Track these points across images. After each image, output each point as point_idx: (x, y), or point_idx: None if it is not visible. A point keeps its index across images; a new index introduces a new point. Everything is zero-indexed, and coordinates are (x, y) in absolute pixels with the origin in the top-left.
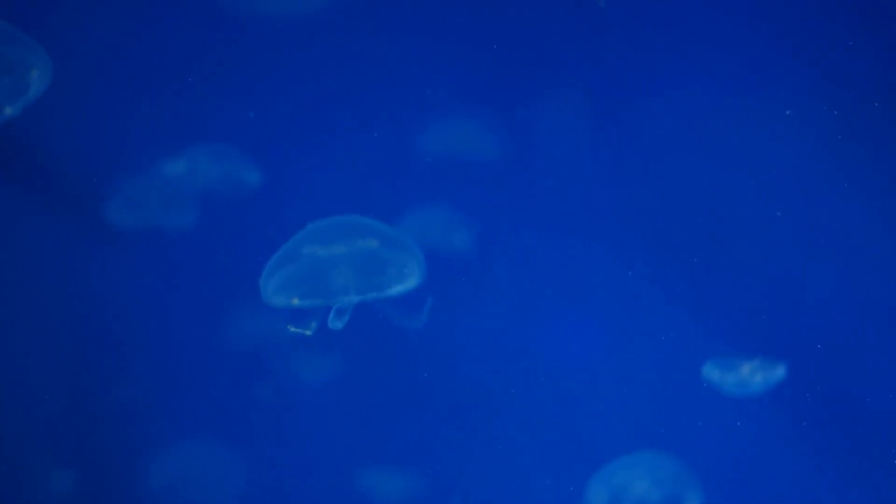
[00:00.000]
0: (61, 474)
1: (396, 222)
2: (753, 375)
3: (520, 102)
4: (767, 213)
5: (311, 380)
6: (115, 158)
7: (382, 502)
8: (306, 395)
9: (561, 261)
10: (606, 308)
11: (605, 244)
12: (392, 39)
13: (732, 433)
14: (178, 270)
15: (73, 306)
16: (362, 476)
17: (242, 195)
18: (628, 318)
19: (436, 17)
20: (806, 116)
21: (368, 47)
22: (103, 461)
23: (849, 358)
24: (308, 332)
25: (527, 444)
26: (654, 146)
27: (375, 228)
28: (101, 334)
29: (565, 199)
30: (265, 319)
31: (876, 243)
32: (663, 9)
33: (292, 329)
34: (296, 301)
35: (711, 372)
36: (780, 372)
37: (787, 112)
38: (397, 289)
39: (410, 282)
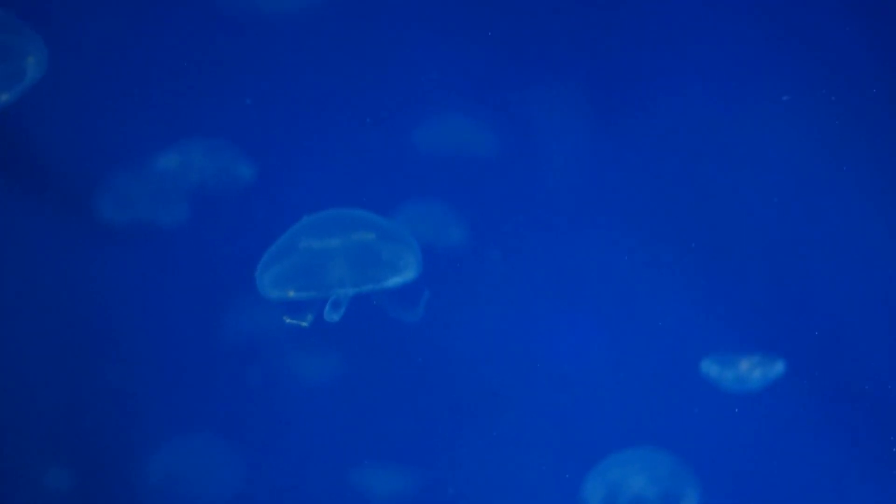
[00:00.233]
0: (57, 471)
1: (391, 217)
2: (752, 371)
3: (515, 98)
4: (766, 208)
5: (306, 376)
6: (107, 153)
7: (379, 498)
8: (302, 391)
9: (557, 256)
10: (603, 303)
11: (601, 239)
12: (388, 34)
13: (731, 429)
14: (171, 266)
15: (68, 303)
16: (358, 472)
17: (236, 190)
18: (626, 313)
19: (431, 11)
20: (803, 103)
21: (364, 42)
22: (99, 458)
23: (848, 354)
24: (304, 324)
25: (523, 439)
26: (651, 141)
27: (372, 221)
28: (97, 331)
29: (561, 194)
30: (260, 315)
31: (876, 238)
32: (660, 2)
33: (288, 321)
34: (292, 294)
35: (710, 367)
36: (779, 368)
37: (784, 97)
38: (394, 281)
39: (407, 274)
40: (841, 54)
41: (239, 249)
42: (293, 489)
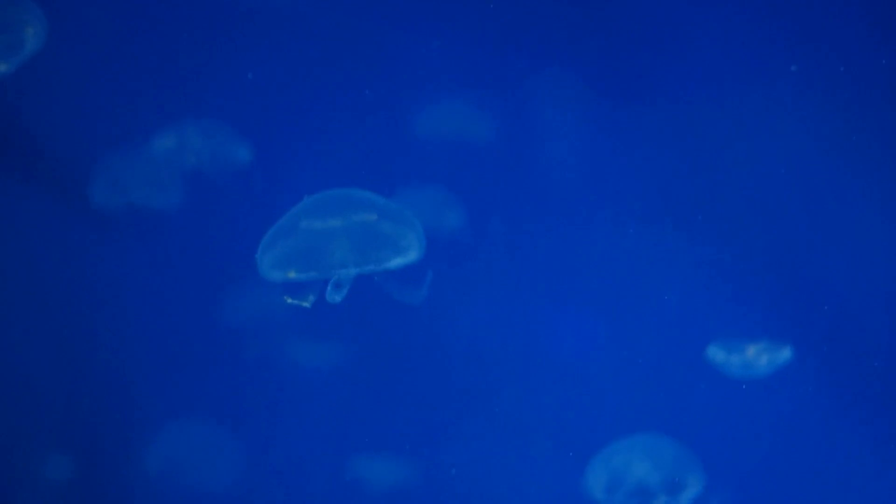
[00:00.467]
0: (56, 460)
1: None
2: (759, 357)
3: (515, 83)
4: (773, 190)
5: (306, 361)
6: (102, 135)
7: (379, 485)
8: (301, 377)
9: (559, 242)
10: (608, 289)
11: (605, 224)
12: (389, 17)
13: (736, 416)
14: (168, 250)
15: (66, 290)
16: (359, 459)
17: (233, 172)
18: (630, 299)
19: None
20: (811, 74)
21: (364, 25)
22: (98, 446)
23: (856, 340)
24: (306, 304)
25: (525, 425)
26: (653, 125)
27: (374, 201)
28: (94, 318)
29: (562, 180)
30: (258, 300)
31: (887, 221)
32: None
33: (289, 301)
34: (293, 275)
35: (716, 353)
36: (786, 354)
37: (792, 67)
38: (396, 262)
39: (410, 255)
40: (849, 23)
41: (235, 233)
42: (292, 475)
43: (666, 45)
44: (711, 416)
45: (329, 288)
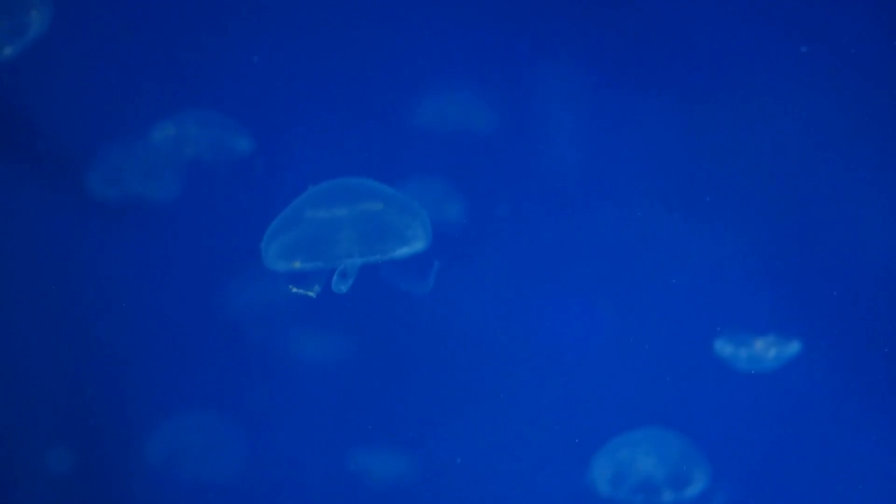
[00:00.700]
0: (56, 453)
1: None
2: (767, 351)
3: (517, 73)
4: (781, 185)
5: (307, 353)
6: (102, 124)
7: (383, 476)
8: (302, 369)
9: (563, 234)
10: (614, 281)
11: (609, 217)
12: (389, 8)
13: (744, 411)
14: (167, 242)
15: (65, 282)
16: (362, 451)
17: (232, 163)
18: (637, 291)
19: None
20: (821, 55)
21: (365, 16)
22: (99, 438)
23: (865, 334)
24: (311, 294)
25: (530, 418)
26: (656, 116)
27: (379, 191)
28: (94, 310)
29: (565, 171)
30: (259, 291)
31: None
32: None
33: (294, 290)
34: (298, 265)
35: (724, 347)
36: (794, 348)
37: (802, 48)
38: (402, 251)
39: (416, 245)
40: (860, 4)
41: (235, 224)
42: (294, 467)
43: (669, 33)
44: (718, 411)
45: (335, 278)
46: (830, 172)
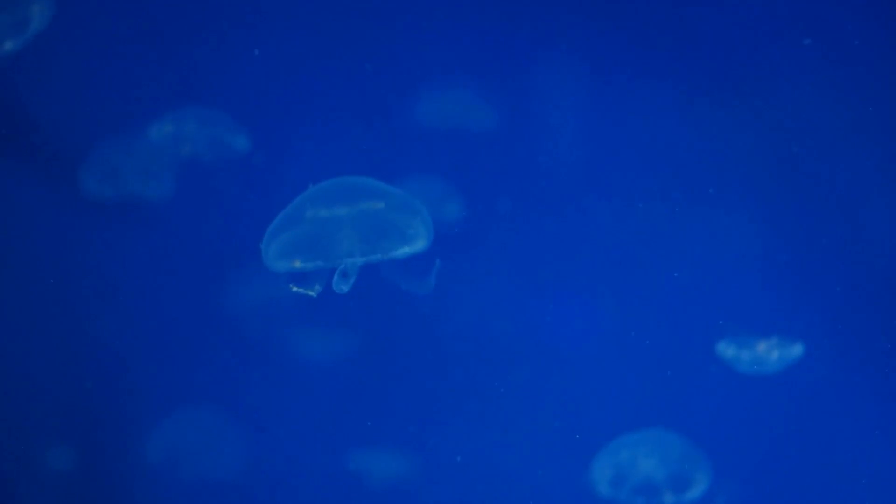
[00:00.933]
0: (57, 451)
1: None
2: (770, 353)
3: (516, 71)
4: (784, 185)
5: (306, 352)
6: (99, 123)
7: (383, 476)
8: (302, 368)
9: (564, 234)
10: (616, 282)
11: (610, 216)
12: (388, 5)
13: (746, 413)
14: (166, 240)
15: (66, 280)
16: (359, 452)
17: (230, 162)
18: (640, 292)
19: None
20: (824, 47)
21: (363, 14)
22: (99, 437)
23: (868, 337)
24: (312, 293)
25: (530, 418)
26: (656, 113)
27: (381, 189)
28: (94, 308)
29: (564, 169)
30: (257, 290)
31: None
32: None
33: (295, 289)
34: (298, 264)
35: (727, 349)
36: (797, 350)
37: (806, 41)
38: (403, 251)
39: (418, 244)
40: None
41: (233, 223)
42: (294, 466)
43: (668, 27)
44: (720, 413)
45: (335, 277)
46: (835, 173)
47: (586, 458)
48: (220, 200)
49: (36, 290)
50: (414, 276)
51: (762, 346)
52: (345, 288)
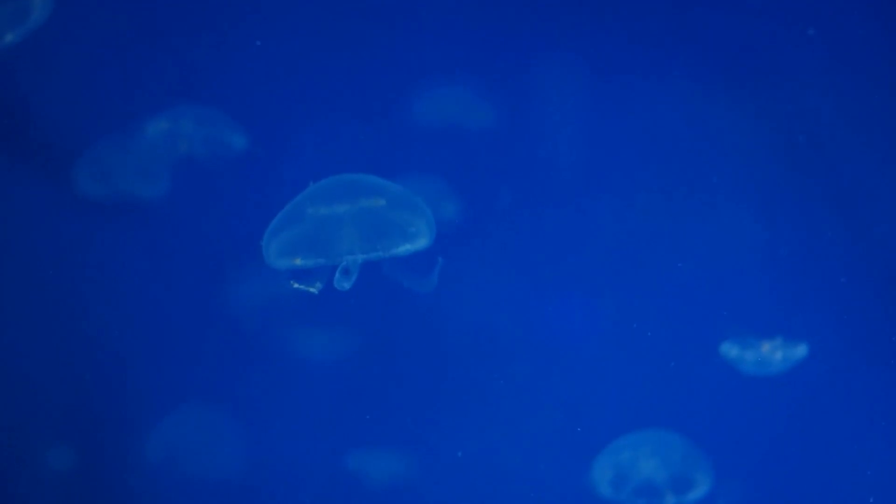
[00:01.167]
0: (57, 451)
1: None
2: (774, 354)
3: (514, 70)
4: (786, 184)
5: (306, 351)
6: (95, 121)
7: (383, 476)
8: (301, 367)
9: (564, 233)
10: (618, 282)
11: (610, 216)
12: (386, 3)
13: (749, 414)
14: (164, 239)
15: (65, 280)
16: (360, 452)
17: (226, 161)
18: (642, 292)
19: None
20: (828, 37)
21: (361, 12)
22: (99, 437)
23: (873, 338)
24: (313, 290)
25: (530, 418)
26: (654, 112)
27: (382, 186)
28: (95, 308)
29: (563, 168)
30: (257, 289)
31: None
32: None
33: (296, 286)
34: (299, 262)
35: (730, 349)
36: (801, 351)
37: (810, 31)
38: (405, 248)
39: (419, 242)
40: None
41: (231, 222)
42: (294, 466)
43: (667, 23)
44: (723, 414)
45: (337, 275)
46: (841, 173)
47: (587, 459)
48: (217, 199)
49: (33, 288)
50: (416, 274)
51: (766, 347)
52: (346, 285)
